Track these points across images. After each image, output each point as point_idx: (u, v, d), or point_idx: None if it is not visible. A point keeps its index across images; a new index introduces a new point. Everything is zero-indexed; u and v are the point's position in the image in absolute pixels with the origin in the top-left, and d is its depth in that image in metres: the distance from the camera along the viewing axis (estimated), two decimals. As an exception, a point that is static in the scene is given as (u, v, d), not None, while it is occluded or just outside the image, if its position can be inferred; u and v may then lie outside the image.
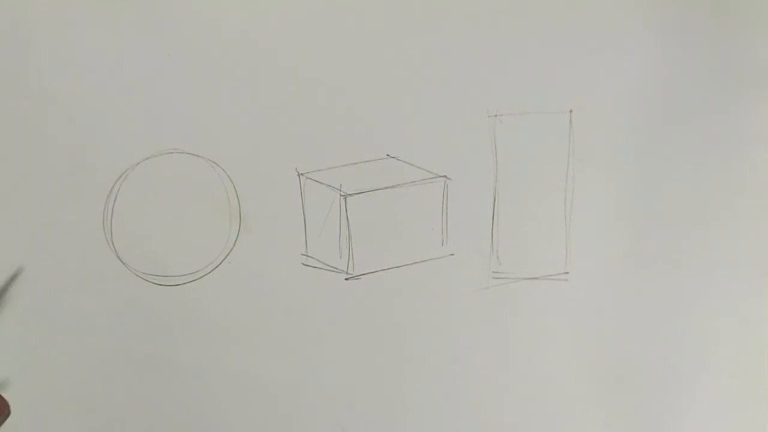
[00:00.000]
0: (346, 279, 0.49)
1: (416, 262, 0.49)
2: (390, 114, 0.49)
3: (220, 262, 0.48)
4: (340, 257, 0.48)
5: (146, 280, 0.47)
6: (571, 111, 0.50)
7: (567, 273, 0.51)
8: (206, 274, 0.48)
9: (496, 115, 0.50)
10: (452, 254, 0.49)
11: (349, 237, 0.48)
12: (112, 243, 0.47)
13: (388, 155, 0.49)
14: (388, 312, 0.49)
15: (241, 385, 0.48)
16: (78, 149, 0.47)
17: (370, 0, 0.49)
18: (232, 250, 0.48)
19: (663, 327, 0.51)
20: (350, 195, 0.48)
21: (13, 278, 0.46)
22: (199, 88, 0.48)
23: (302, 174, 0.48)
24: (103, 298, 0.47)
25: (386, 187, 0.48)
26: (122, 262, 0.47)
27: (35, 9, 0.47)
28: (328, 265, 0.48)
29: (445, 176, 0.49)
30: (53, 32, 0.47)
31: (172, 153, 0.48)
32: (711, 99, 0.51)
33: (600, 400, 0.51)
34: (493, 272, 0.50)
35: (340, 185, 0.48)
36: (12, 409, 0.46)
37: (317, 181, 0.48)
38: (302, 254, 0.48)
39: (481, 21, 0.50)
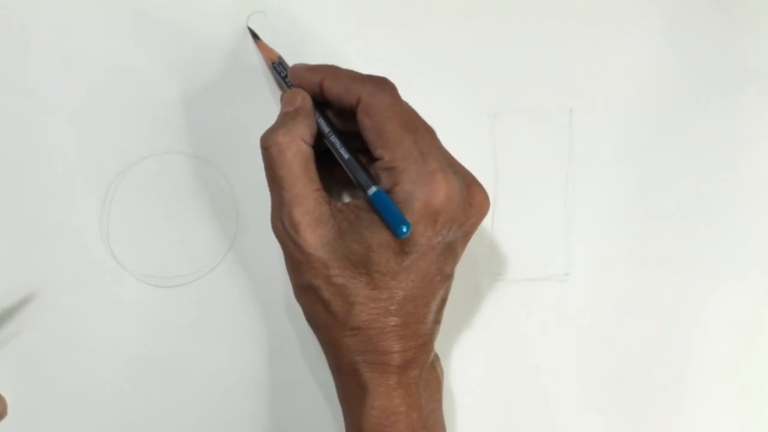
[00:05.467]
0: (345, 280, 0.48)
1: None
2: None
3: (218, 263, 0.48)
4: (339, 258, 0.48)
5: (143, 282, 0.47)
6: (571, 110, 0.50)
7: (567, 274, 0.50)
8: (204, 275, 0.48)
9: (495, 114, 0.50)
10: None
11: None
12: (109, 244, 0.47)
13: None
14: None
15: (240, 386, 0.48)
16: (75, 149, 0.47)
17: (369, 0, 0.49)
18: (229, 250, 0.48)
19: (664, 327, 0.51)
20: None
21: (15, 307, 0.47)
22: (197, 87, 0.48)
23: None
24: (100, 299, 0.47)
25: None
26: (119, 263, 0.47)
27: (34, 8, 0.46)
28: (326, 266, 0.48)
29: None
30: (51, 32, 0.47)
31: (169, 153, 0.48)
32: (711, 98, 0.51)
33: (601, 400, 0.50)
34: (493, 273, 0.50)
35: (338, 185, 0.48)
36: (9, 409, 0.46)
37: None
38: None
39: (480, 18, 0.50)
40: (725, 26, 0.51)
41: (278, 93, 0.48)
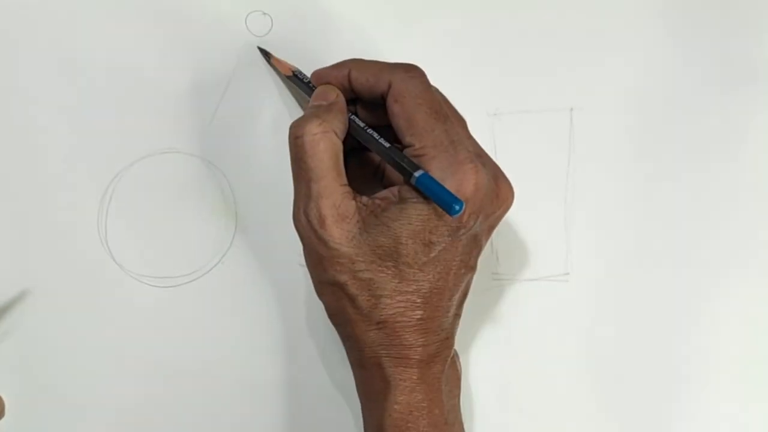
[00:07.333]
0: (344, 280, 0.48)
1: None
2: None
3: (216, 263, 0.48)
4: (338, 258, 0.48)
5: (141, 282, 0.47)
6: (571, 109, 0.50)
7: (567, 274, 0.50)
8: (202, 276, 0.48)
9: (495, 114, 0.50)
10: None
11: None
12: (107, 244, 0.47)
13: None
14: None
15: (238, 387, 0.48)
16: (73, 149, 0.47)
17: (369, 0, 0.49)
18: (228, 251, 0.48)
19: (664, 328, 0.51)
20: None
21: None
22: (196, 87, 0.47)
23: None
24: (98, 299, 0.47)
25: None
26: (117, 263, 0.47)
27: (33, 8, 0.46)
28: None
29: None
30: (50, 31, 0.46)
31: (168, 153, 0.47)
32: (711, 98, 0.51)
33: (600, 401, 0.50)
34: (493, 273, 0.50)
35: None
36: (7, 410, 0.46)
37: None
38: (299, 255, 0.47)
39: (480, 18, 0.50)
40: (725, 26, 0.51)
41: (285, 95, 0.48)
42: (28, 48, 0.46)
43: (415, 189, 0.40)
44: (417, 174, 0.39)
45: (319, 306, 0.43)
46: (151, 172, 0.47)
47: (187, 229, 0.48)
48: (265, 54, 0.47)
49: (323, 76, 0.44)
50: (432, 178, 0.39)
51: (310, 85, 0.44)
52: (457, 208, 0.37)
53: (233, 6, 0.47)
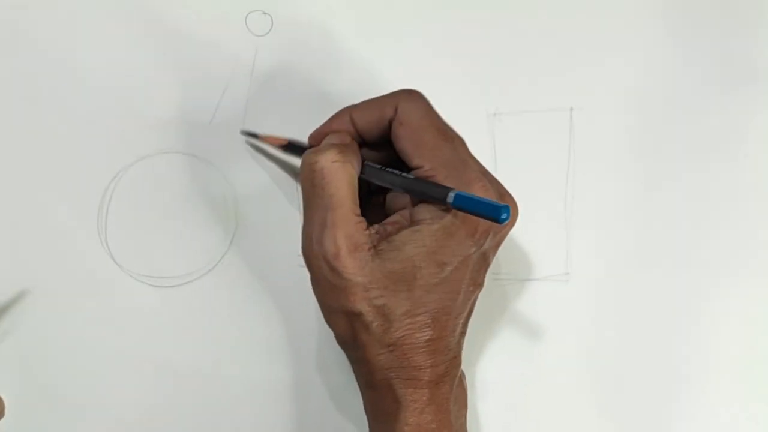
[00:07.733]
0: (344, 280, 0.48)
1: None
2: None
3: (216, 264, 0.48)
4: (338, 258, 0.48)
5: (141, 282, 0.47)
6: (571, 109, 0.50)
7: (567, 274, 0.50)
8: (202, 276, 0.48)
9: (495, 114, 0.50)
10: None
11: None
12: (107, 244, 0.47)
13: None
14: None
15: (238, 387, 0.48)
16: (72, 149, 0.47)
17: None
18: (228, 251, 0.48)
19: (664, 328, 0.51)
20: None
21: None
22: (197, 87, 0.47)
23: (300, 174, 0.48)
24: (98, 299, 0.47)
25: (384, 187, 0.47)
26: (117, 263, 0.47)
27: (33, 8, 0.46)
28: (325, 266, 0.48)
29: (444, 176, 0.48)
30: (49, 31, 0.46)
31: (168, 153, 0.47)
32: (712, 98, 0.51)
33: (600, 401, 0.50)
34: (494, 274, 0.50)
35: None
36: (7, 410, 0.46)
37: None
38: (299, 255, 0.47)
39: (480, 18, 0.50)
40: (725, 26, 0.51)
41: (285, 95, 0.48)
42: (28, 48, 0.46)
43: (431, 208, 0.40)
44: (452, 194, 0.39)
45: (318, 307, 0.43)
46: (150, 172, 0.47)
47: (187, 229, 0.47)
48: (251, 135, 0.47)
49: (323, 131, 0.43)
50: (468, 195, 0.38)
51: (312, 147, 0.43)
52: (504, 216, 0.37)
53: (233, 6, 0.47)
